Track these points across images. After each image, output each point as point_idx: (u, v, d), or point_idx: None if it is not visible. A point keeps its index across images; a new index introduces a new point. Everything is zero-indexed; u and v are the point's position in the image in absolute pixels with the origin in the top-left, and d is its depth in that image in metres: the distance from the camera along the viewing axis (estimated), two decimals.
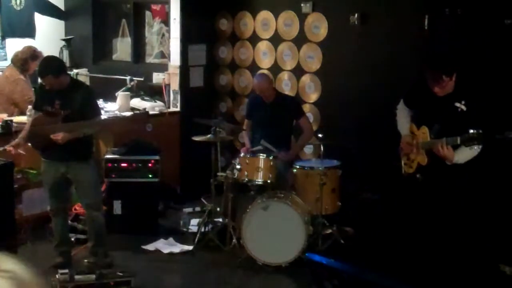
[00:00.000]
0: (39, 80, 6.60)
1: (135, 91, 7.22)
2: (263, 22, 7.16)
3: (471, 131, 4.24)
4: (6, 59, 7.62)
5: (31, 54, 6.53)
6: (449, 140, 4.35)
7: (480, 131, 4.22)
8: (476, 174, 4.67)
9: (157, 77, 7.48)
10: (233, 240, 5.66)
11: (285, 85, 7.02)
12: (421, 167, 4.68)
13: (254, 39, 7.27)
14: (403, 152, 4.88)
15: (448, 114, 4.47)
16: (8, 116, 6.21)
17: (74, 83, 5.24)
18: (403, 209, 5.09)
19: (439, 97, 4.54)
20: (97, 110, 5.31)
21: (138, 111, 5.86)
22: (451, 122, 4.42)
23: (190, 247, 5.77)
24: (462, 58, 5.36)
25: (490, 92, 5.54)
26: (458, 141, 4.31)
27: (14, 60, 6.58)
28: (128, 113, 6.94)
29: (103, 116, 6.06)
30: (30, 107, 6.18)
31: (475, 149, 4.40)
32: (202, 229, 5.84)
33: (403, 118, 4.91)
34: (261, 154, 5.68)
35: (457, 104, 4.47)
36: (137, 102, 7.18)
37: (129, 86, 7.17)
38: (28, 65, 6.53)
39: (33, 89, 6.91)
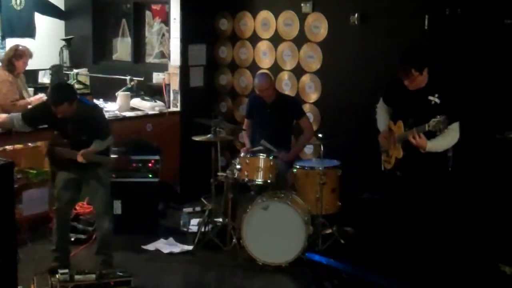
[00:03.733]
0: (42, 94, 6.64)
1: (135, 91, 7.23)
2: (263, 22, 7.17)
3: (437, 116, 4.35)
4: None
5: (13, 54, 6.43)
6: (419, 128, 4.47)
7: (444, 116, 4.32)
8: (445, 166, 4.76)
9: (157, 77, 7.48)
10: (233, 240, 5.66)
11: (285, 85, 7.02)
12: (399, 162, 4.76)
13: (254, 39, 7.27)
14: (382, 149, 4.97)
15: (422, 107, 4.57)
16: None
17: (81, 107, 5.08)
18: (387, 205, 5.13)
19: (413, 92, 4.65)
20: (107, 130, 5.28)
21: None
22: (424, 115, 4.49)
23: (190, 247, 5.77)
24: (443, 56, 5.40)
25: (489, 92, 5.56)
26: (427, 128, 4.41)
27: (1, 61, 6.56)
28: (129, 113, 6.97)
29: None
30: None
31: (450, 137, 4.55)
32: (202, 229, 5.84)
33: (381, 115, 5.07)
34: (261, 154, 5.68)
35: (430, 98, 4.58)
36: (137, 102, 7.20)
37: (129, 86, 7.17)
38: (13, 65, 6.41)
39: (31, 89, 6.93)
